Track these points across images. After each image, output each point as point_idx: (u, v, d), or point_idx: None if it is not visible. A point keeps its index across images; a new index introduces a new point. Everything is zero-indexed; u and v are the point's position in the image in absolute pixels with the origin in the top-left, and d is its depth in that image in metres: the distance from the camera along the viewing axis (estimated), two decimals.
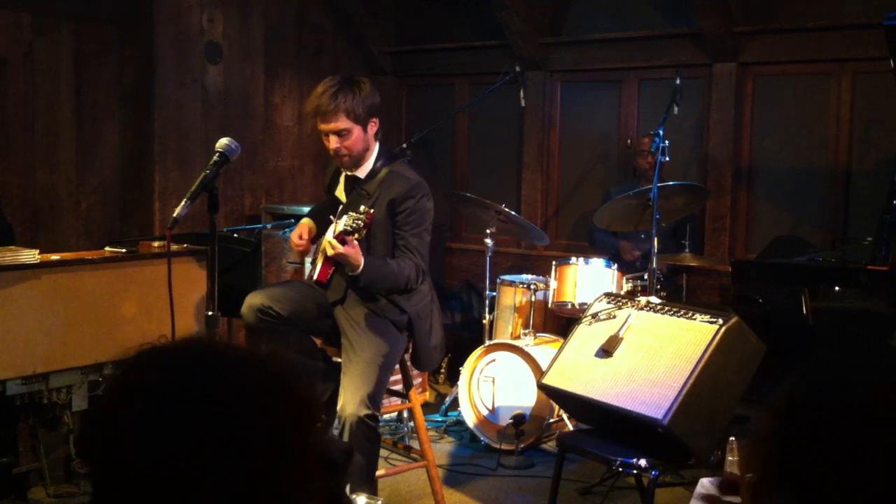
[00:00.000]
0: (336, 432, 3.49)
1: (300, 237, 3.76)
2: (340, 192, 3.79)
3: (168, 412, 1.08)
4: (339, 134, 3.56)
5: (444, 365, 6.40)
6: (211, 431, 1.08)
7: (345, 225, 3.28)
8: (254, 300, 3.63)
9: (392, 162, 3.75)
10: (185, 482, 1.06)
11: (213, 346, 1.21)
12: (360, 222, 3.25)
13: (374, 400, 3.49)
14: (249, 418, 1.10)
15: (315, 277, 3.66)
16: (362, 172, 3.71)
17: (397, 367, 3.89)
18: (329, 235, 3.47)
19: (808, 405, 1.32)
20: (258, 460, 1.09)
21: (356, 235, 3.28)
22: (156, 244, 4.08)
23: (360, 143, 3.62)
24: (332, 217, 3.74)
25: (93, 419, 1.15)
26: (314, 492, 1.18)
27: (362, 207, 3.32)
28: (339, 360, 3.70)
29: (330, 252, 3.38)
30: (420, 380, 5.73)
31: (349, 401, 3.45)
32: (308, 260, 4.00)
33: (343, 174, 3.78)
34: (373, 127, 3.65)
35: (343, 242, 3.32)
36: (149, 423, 1.08)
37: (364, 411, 3.44)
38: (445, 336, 6.23)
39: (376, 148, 3.72)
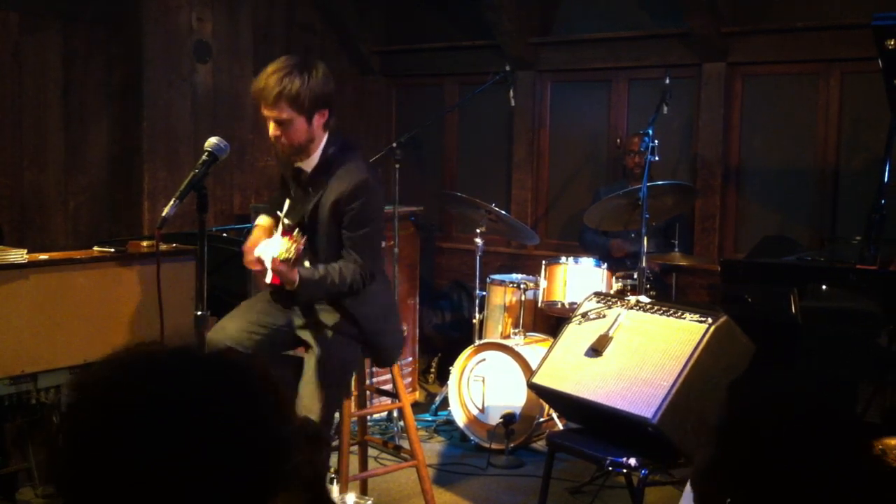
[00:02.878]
0: None
1: (254, 259, 3.43)
2: (290, 183, 3.61)
3: (150, 417, 1.08)
4: (280, 123, 3.35)
5: (433, 364, 6.40)
6: (197, 433, 1.08)
7: (279, 252, 3.15)
8: (216, 341, 3.47)
9: (342, 154, 3.50)
10: (175, 483, 1.06)
11: (188, 349, 1.21)
12: (290, 253, 3.13)
13: (323, 422, 3.41)
14: (227, 417, 1.10)
15: (268, 281, 3.44)
16: (308, 165, 3.50)
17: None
18: (270, 247, 3.28)
19: (765, 407, 1.32)
20: (243, 455, 1.09)
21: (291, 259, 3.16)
22: (145, 244, 4.07)
23: (301, 135, 3.39)
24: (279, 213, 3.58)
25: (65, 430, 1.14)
26: (302, 473, 1.19)
27: (296, 233, 3.19)
28: None
29: (268, 270, 3.26)
30: (410, 379, 5.73)
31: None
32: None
33: (290, 168, 3.58)
34: (320, 118, 3.41)
35: (279, 262, 3.19)
36: (123, 431, 1.08)
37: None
38: (432, 334, 6.29)
39: (324, 139, 3.48)
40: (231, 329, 3.55)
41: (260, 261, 3.33)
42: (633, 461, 3.43)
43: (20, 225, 5.52)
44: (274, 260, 3.19)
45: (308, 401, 3.40)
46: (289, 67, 3.32)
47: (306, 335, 3.54)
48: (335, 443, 3.80)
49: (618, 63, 6.21)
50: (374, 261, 3.54)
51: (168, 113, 5.91)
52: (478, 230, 5.40)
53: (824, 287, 4.11)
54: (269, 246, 3.28)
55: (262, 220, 3.70)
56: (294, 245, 3.15)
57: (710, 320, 3.52)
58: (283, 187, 3.72)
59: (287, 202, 3.59)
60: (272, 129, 3.39)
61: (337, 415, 3.65)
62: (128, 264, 3.92)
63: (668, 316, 3.65)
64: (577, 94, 6.53)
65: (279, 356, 3.67)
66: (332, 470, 3.63)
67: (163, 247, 3.87)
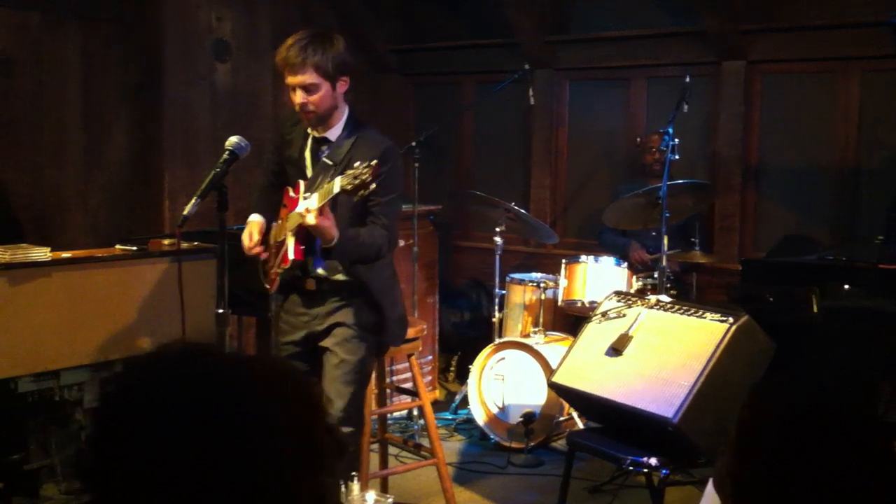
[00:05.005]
0: None
1: (251, 237, 3.57)
2: (306, 156, 3.61)
3: (168, 420, 1.08)
4: (307, 89, 3.40)
5: (453, 363, 6.40)
6: (211, 436, 1.07)
7: (342, 185, 3.12)
8: None
9: (363, 125, 3.59)
10: (185, 487, 1.06)
11: (210, 350, 1.20)
12: (363, 178, 3.08)
13: (348, 416, 3.48)
14: (250, 422, 1.09)
15: (291, 257, 3.48)
16: (332, 134, 3.54)
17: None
18: (301, 208, 3.31)
19: (781, 405, 1.32)
20: (262, 461, 1.09)
21: (361, 192, 3.13)
22: (166, 242, 4.09)
23: (327, 101, 3.44)
24: (291, 190, 3.59)
25: (94, 430, 1.14)
26: (325, 479, 1.18)
27: (357, 163, 3.14)
28: None
29: (309, 222, 3.23)
30: (430, 378, 5.74)
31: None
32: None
33: (310, 137, 3.60)
34: (342, 86, 3.48)
35: (324, 214, 3.22)
36: (147, 431, 1.08)
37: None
38: (451, 333, 6.29)
39: (346, 111, 3.55)
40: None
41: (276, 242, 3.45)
42: (653, 461, 3.42)
43: (40, 223, 5.55)
44: (320, 208, 3.20)
45: (335, 399, 3.45)
46: (311, 36, 3.41)
47: (324, 340, 3.57)
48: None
49: (636, 61, 6.20)
50: (397, 228, 3.58)
51: (187, 112, 5.92)
52: (497, 229, 5.40)
53: (845, 286, 4.09)
54: (300, 208, 3.30)
55: (255, 218, 3.68)
56: (366, 172, 3.09)
57: (731, 320, 3.51)
58: (283, 155, 3.69)
59: (311, 177, 3.56)
60: (299, 96, 3.42)
61: None
62: (149, 262, 3.94)
63: (688, 315, 3.64)
64: (594, 93, 6.52)
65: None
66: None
67: (184, 245, 3.89)
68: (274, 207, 3.69)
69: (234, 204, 3.54)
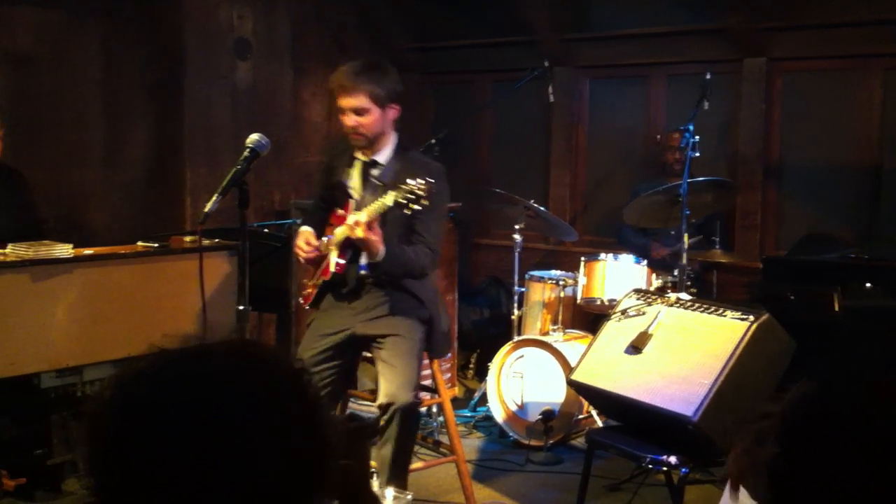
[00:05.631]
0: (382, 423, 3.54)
1: (307, 243, 3.73)
2: (355, 178, 3.74)
3: (170, 418, 1.08)
4: (357, 112, 3.55)
5: (472, 360, 6.40)
6: (214, 436, 1.07)
7: (395, 199, 3.27)
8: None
9: (409, 151, 3.75)
10: (190, 486, 1.07)
11: (219, 350, 1.20)
12: (418, 192, 3.22)
13: (416, 387, 3.58)
14: (255, 422, 1.09)
15: (333, 269, 3.67)
16: (381, 157, 3.68)
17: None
18: (350, 221, 3.45)
19: (799, 403, 1.31)
20: (265, 462, 1.09)
21: (412, 207, 3.26)
22: (187, 239, 4.11)
23: (377, 125, 3.59)
24: (339, 210, 3.74)
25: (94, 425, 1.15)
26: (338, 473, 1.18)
27: (409, 180, 3.27)
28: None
29: (358, 234, 3.37)
30: (449, 375, 5.74)
31: (398, 391, 3.50)
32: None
33: (358, 161, 3.73)
34: (392, 113, 3.63)
35: (370, 228, 3.35)
36: (151, 429, 1.08)
37: (411, 397, 3.52)
38: (470, 330, 6.31)
39: (394, 137, 3.70)
40: (307, 355, 3.67)
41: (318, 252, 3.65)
42: (673, 459, 3.42)
43: (63, 220, 5.58)
44: (369, 223, 3.34)
45: (401, 375, 3.53)
46: (365, 63, 3.60)
47: (372, 328, 3.65)
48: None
49: (656, 59, 6.18)
50: (440, 248, 3.71)
51: (208, 110, 5.95)
52: (516, 226, 5.40)
53: (867, 285, 4.07)
54: (350, 221, 3.44)
55: (306, 227, 3.84)
56: (423, 188, 3.24)
57: (751, 318, 3.49)
58: (331, 179, 3.84)
59: (358, 197, 3.71)
60: (350, 119, 3.57)
61: (376, 410, 3.70)
62: (171, 259, 3.96)
63: (708, 313, 3.63)
64: (614, 91, 6.51)
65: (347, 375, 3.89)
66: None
67: (205, 242, 3.91)
68: (320, 226, 3.83)
69: (254, 201, 3.59)
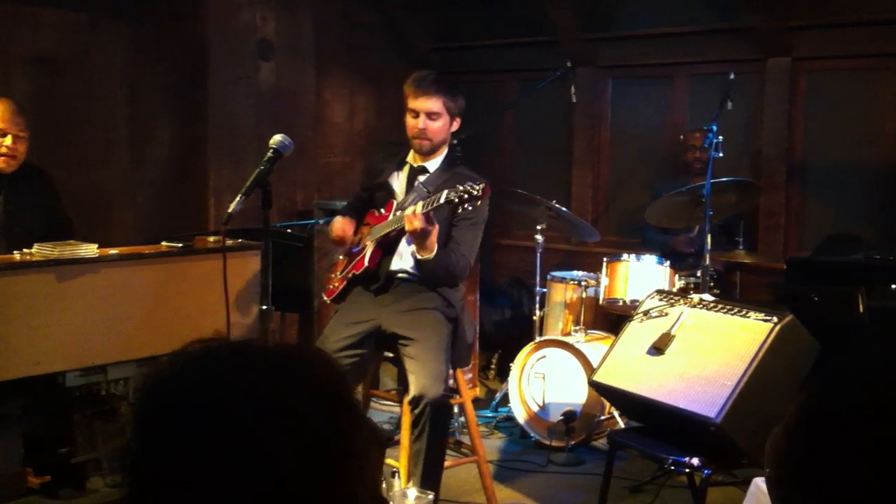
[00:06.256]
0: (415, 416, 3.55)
1: (344, 230, 3.88)
2: (401, 183, 3.85)
3: (193, 417, 1.08)
4: (430, 115, 3.70)
5: (493, 361, 6.40)
6: (234, 436, 1.06)
7: (448, 197, 3.31)
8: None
9: (457, 164, 3.90)
10: (214, 486, 1.07)
11: (242, 348, 1.20)
12: (473, 192, 3.28)
13: (446, 381, 3.59)
14: (277, 422, 1.08)
15: (366, 264, 3.74)
16: (431, 166, 3.80)
17: None
18: (409, 210, 3.49)
19: (818, 403, 1.30)
20: (288, 470, 1.08)
21: (463, 207, 3.33)
22: (211, 239, 4.13)
23: (442, 133, 3.75)
24: (377, 211, 3.85)
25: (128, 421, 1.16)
26: (366, 474, 1.18)
27: (469, 184, 3.34)
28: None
29: (416, 225, 3.41)
30: (470, 375, 5.74)
31: (429, 385, 3.52)
32: (336, 256, 4.06)
33: (406, 165, 3.83)
34: (455, 125, 3.80)
35: (430, 222, 3.40)
36: (172, 427, 1.09)
37: (443, 390, 3.54)
38: (491, 331, 6.31)
39: (447, 150, 3.85)
40: (330, 343, 3.72)
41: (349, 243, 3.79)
42: (695, 461, 3.40)
43: (88, 220, 5.63)
44: (420, 214, 3.39)
45: (431, 369, 3.55)
46: (442, 76, 3.83)
47: (398, 322, 3.67)
48: (396, 438, 3.84)
49: (679, 58, 6.16)
50: (473, 260, 3.79)
51: (232, 110, 5.98)
52: (538, 227, 5.39)
53: (892, 286, 4.04)
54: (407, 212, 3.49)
55: (344, 217, 3.97)
56: (478, 190, 3.30)
57: (775, 319, 3.47)
58: (374, 181, 3.94)
59: (399, 201, 3.80)
60: (420, 121, 3.70)
61: (397, 410, 3.72)
62: (195, 259, 3.98)
63: (732, 314, 3.61)
64: (637, 90, 6.49)
65: (366, 365, 3.93)
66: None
67: (228, 242, 3.93)
68: (356, 222, 3.95)
69: (277, 201, 3.62)
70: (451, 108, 3.74)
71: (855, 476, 1.18)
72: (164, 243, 4.01)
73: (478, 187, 3.29)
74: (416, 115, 3.71)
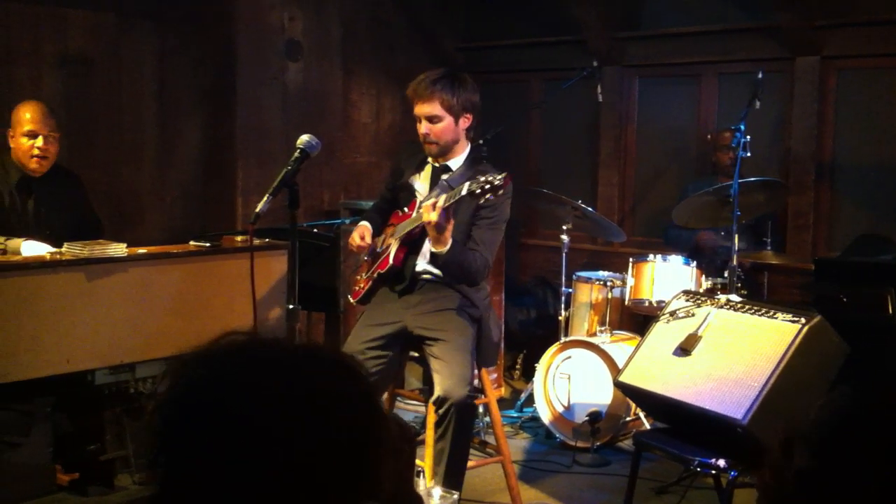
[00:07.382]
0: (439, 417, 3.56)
1: (361, 238, 3.86)
2: (424, 181, 3.84)
3: (218, 413, 1.10)
4: (431, 119, 3.67)
5: (519, 361, 6.40)
6: (257, 432, 1.08)
7: (469, 189, 3.31)
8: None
9: (481, 162, 3.85)
10: (244, 482, 1.07)
11: (271, 345, 1.21)
12: (494, 182, 3.26)
13: (471, 382, 3.59)
14: (301, 420, 1.10)
15: (391, 262, 3.75)
16: (454, 164, 3.79)
17: None
18: (429, 202, 3.50)
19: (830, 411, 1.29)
20: (313, 463, 1.09)
21: (486, 197, 3.32)
22: (238, 238, 4.16)
23: (448, 134, 3.69)
24: (401, 210, 3.86)
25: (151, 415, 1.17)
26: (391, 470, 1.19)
27: (491, 174, 3.32)
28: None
29: (432, 217, 3.40)
30: (495, 375, 5.74)
31: (453, 386, 3.52)
32: (362, 256, 4.06)
33: (429, 165, 3.84)
34: (465, 122, 3.73)
35: (447, 216, 3.41)
36: (198, 423, 1.10)
37: (467, 391, 3.53)
38: (517, 331, 6.31)
39: (468, 146, 3.81)
40: (354, 345, 3.73)
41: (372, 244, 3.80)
42: (721, 462, 3.38)
43: (117, 220, 5.68)
44: (440, 207, 3.38)
45: (456, 370, 3.55)
46: (442, 73, 3.70)
47: (423, 322, 3.69)
48: (420, 437, 3.85)
49: (707, 57, 6.12)
50: (492, 260, 3.76)
51: (260, 111, 6.02)
52: (564, 227, 5.38)
53: None
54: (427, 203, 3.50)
55: (365, 223, 3.96)
56: (499, 180, 3.29)
57: (803, 320, 3.44)
58: (399, 180, 3.94)
59: (420, 200, 3.79)
60: (423, 126, 3.69)
61: (423, 410, 3.73)
62: (222, 258, 4.01)
63: (759, 315, 3.58)
64: (664, 90, 6.46)
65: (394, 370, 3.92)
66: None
67: (256, 241, 3.96)
68: (378, 226, 3.95)
69: (304, 201, 3.63)
70: (453, 105, 3.66)
71: (886, 477, 1.18)
72: (191, 243, 4.04)
73: (499, 177, 3.27)
74: (420, 120, 3.72)
